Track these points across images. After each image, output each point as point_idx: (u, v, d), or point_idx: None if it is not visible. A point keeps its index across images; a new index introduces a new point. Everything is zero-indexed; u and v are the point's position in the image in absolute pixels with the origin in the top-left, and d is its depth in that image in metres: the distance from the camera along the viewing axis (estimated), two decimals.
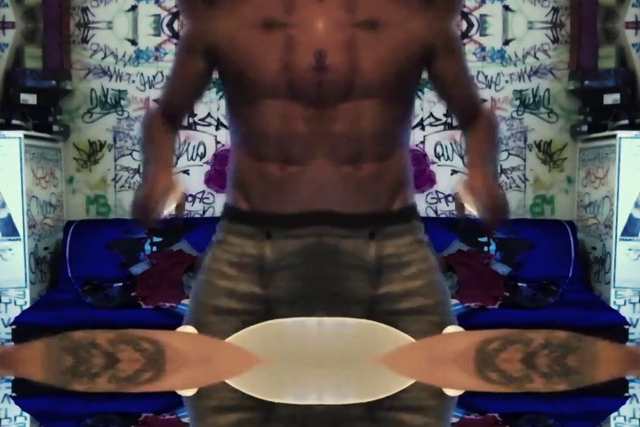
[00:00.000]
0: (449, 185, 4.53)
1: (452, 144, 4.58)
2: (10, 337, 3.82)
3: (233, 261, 1.77)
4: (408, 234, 1.80)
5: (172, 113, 1.88)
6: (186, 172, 4.56)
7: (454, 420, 1.73)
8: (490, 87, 4.57)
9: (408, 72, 1.74)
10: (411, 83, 1.78)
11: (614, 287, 3.98)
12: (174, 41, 4.55)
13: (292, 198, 1.73)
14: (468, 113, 1.89)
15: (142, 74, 4.57)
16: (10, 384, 2.73)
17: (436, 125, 4.58)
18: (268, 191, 1.75)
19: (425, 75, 1.82)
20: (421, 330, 1.73)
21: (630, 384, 2.68)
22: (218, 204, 4.51)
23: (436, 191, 4.61)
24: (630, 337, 3.84)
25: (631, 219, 3.96)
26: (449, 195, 4.59)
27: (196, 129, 4.55)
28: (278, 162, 1.72)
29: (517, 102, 4.59)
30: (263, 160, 1.73)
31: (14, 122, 4.19)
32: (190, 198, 4.56)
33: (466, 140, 1.94)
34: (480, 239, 4.30)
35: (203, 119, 4.54)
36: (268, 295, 1.74)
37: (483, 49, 4.58)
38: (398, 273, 1.77)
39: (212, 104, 4.50)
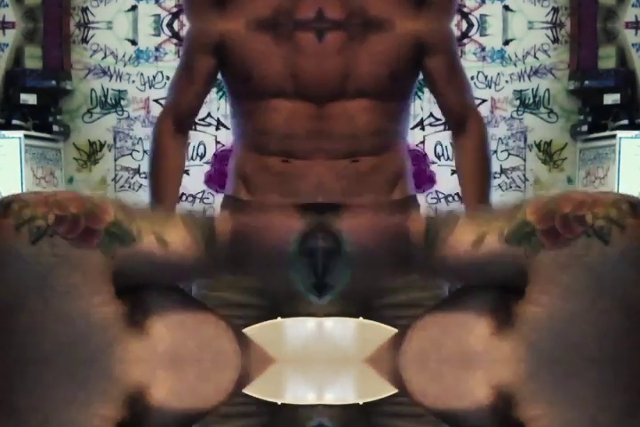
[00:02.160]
0: (449, 185, 4.53)
1: (452, 144, 4.58)
2: None
3: None
4: None
5: (183, 116, 1.90)
6: (186, 172, 4.56)
7: None
8: (490, 87, 4.57)
9: (402, 71, 1.77)
10: (406, 81, 1.81)
11: None
12: (174, 41, 4.55)
13: (292, 190, 1.76)
14: (457, 114, 1.92)
15: (142, 74, 4.57)
16: None
17: (436, 125, 4.57)
18: (270, 183, 1.78)
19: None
20: None
21: None
22: (218, 204, 4.50)
23: (436, 191, 4.61)
24: None
25: None
26: (449, 195, 4.58)
27: (195, 129, 4.55)
28: (281, 155, 1.75)
29: (517, 102, 4.59)
30: (266, 154, 1.76)
31: (14, 122, 4.19)
32: (190, 198, 4.56)
33: (456, 161, 1.97)
34: None
35: (203, 119, 4.53)
36: (272, 287, 1.74)
37: (483, 49, 4.58)
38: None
39: (211, 104, 4.50)
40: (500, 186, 4.60)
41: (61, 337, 1.53)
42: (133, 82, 4.57)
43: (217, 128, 4.55)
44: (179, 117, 1.91)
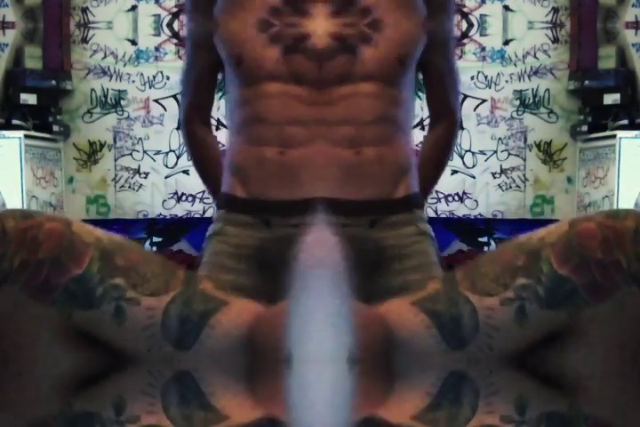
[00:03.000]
0: (449, 185, 4.53)
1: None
2: None
3: (232, 252, 1.75)
4: (410, 224, 1.78)
5: (203, 108, 1.89)
6: (186, 172, 4.56)
7: None
8: (490, 87, 4.57)
9: (408, 59, 1.76)
10: (412, 68, 1.80)
11: None
12: (174, 41, 4.55)
13: (290, 184, 1.71)
14: (438, 109, 1.92)
15: (142, 74, 4.57)
16: None
17: None
18: (267, 177, 1.74)
19: None
20: None
21: None
22: None
23: (436, 191, 4.61)
24: None
25: None
26: (449, 195, 4.59)
27: None
28: (277, 146, 1.71)
29: (517, 102, 4.59)
30: (262, 144, 1.73)
31: (14, 122, 4.19)
32: (190, 198, 4.56)
33: (421, 150, 1.95)
34: (480, 239, 4.29)
35: None
36: (270, 289, 1.71)
37: (483, 49, 4.58)
38: (398, 265, 1.75)
39: None
40: (500, 186, 4.60)
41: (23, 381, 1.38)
42: (133, 82, 4.57)
43: (217, 128, 4.55)
44: (197, 112, 1.91)
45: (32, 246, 1.35)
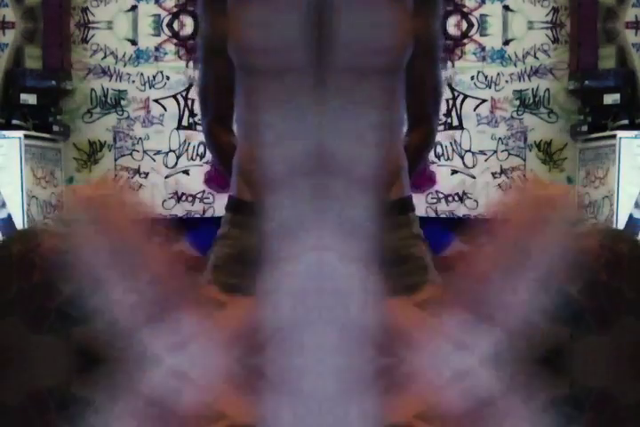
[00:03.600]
0: (449, 185, 4.53)
1: (451, 144, 4.59)
2: None
3: (236, 256, 1.75)
4: (405, 227, 1.79)
5: (226, 120, 1.87)
6: (186, 172, 4.56)
7: None
8: (490, 87, 4.58)
9: (394, 59, 1.76)
10: (401, 71, 1.79)
11: None
12: (174, 41, 4.55)
13: None
14: (414, 116, 1.90)
15: (142, 74, 4.57)
16: None
17: None
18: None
19: None
20: None
21: None
22: (218, 204, 4.51)
23: (436, 191, 4.61)
24: None
25: (631, 219, 3.97)
26: (449, 195, 4.59)
27: (195, 129, 4.55)
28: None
29: (517, 102, 4.59)
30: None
31: (14, 122, 4.20)
32: (190, 198, 4.56)
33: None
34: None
35: None
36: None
37: (483, 49, 4.58)
38: (394, 268, 1.74)
39: None
40: (500, 186, 4.60)
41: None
42: (133, 82, 4.57)
43: None
44: (221, 125, 1.89)
45: (28, 272, 1.32)
